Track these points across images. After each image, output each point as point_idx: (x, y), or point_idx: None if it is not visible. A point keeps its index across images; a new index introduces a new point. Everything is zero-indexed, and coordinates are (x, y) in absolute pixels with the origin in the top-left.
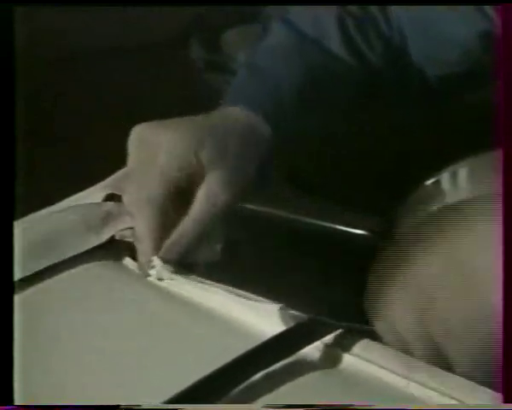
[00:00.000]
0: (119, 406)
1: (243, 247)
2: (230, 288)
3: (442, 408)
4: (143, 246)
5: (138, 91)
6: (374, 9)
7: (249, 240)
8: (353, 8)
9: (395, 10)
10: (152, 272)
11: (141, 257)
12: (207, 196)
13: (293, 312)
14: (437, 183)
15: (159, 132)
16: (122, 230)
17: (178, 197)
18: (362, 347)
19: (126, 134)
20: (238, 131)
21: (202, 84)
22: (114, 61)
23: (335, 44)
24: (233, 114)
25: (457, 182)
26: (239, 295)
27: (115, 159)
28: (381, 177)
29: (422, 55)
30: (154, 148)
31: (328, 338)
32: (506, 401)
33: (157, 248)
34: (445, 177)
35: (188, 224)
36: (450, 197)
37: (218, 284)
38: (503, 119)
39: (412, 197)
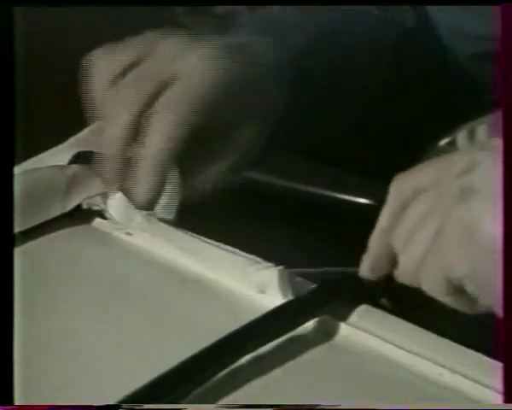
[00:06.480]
0: (120, 406)
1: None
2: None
3: (442, 408)
4: None
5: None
6: None
7: (250, 209)
8: None
9: None
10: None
11: None
12: None
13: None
14: (452, 143)
15: None
16: (90, 197)
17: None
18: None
19: None
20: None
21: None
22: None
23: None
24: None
25: (476, 141)
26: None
27: None
28: (391, 141)
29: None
30: None
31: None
32: (506, 401)
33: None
34: (461, 136)
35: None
36: None
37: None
38: (503, 120)
39: (424, 160)
